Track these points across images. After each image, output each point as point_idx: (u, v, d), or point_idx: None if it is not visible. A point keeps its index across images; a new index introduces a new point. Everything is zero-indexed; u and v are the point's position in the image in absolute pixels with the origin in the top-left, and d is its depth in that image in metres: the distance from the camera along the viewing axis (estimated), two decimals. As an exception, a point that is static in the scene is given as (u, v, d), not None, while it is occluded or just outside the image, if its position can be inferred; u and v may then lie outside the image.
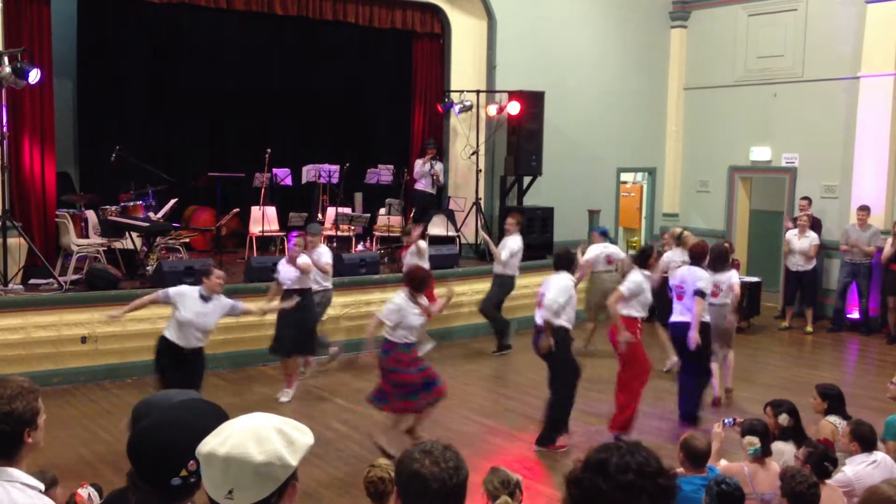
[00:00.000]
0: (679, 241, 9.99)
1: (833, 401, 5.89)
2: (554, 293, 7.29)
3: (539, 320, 7.42)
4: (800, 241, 12.29)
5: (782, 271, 13.00)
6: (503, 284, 10.86)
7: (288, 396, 8.71)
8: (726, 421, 5.42)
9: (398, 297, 7.18)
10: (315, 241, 9.11)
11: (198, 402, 2.37)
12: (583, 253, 10.52)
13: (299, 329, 8.63)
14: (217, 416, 2.20)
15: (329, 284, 9.44)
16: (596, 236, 11.06)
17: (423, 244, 10.30)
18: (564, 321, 7.34)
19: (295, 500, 1.98)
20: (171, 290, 7.21)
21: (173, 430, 2.15)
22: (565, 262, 7.61)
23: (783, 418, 5.54)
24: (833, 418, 5.76)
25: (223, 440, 1.91)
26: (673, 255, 9.83)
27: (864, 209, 12.19)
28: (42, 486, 2.65)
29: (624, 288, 7.70)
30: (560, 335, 7.32)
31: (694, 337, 7.88)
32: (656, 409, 8.60)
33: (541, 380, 9.29)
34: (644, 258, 8.03)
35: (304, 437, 1.98)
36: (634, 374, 7.69)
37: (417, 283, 7.19)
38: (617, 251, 11.00)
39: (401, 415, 7.20)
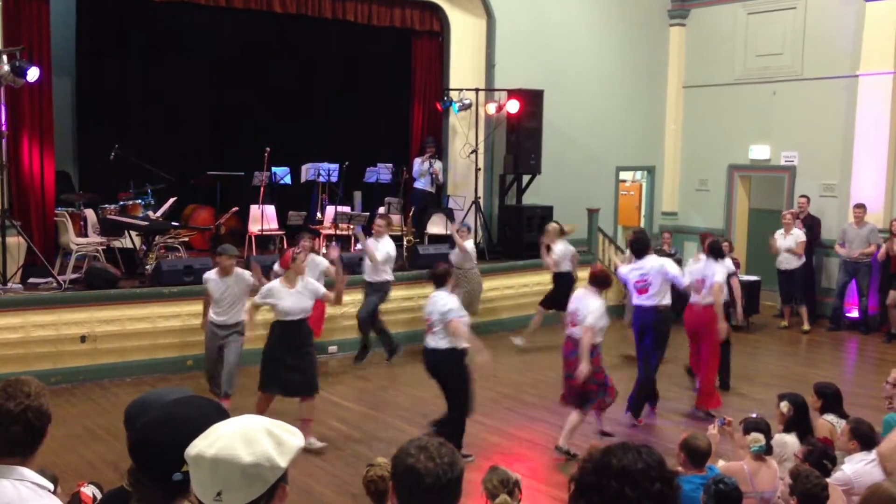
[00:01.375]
0: (562, 234, 11.02)
1: (828, 399, 5.91)
2: (675, 271, 8.16)
3: (647, 302, 8.05)
4: (785, 239, 12.30)
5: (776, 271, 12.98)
6: (381, 290, 10.10)
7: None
8: (719, 421, 5.43)
9: (598, 300, 7.23)
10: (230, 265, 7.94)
11: (198, 398, 2.37)
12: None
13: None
14: (217, 413, 2.20)
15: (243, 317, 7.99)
16: (464, 233, 10.92)
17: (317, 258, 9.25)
18: (669, 300, 8.14)
19: (285, 501, 1.98)
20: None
21: (176, 426, 2.15)
22: (648, 244, 8.45)
23: (783, 405, 5.60)
24: (830, 417, 5.78)
25: (211, 442, 1.91)
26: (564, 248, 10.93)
27: (860, 207, 12.20)
28: (51, 486, 2.69)
29: (721, 278, 8.26)
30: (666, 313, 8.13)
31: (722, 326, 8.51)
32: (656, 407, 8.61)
33: (540, 378, 9.30)
34: (720, 251, 8.51)
35: (294, 438, 1.97)
36: (716, 355, 8.50)
37: (601, 282, 7.42)
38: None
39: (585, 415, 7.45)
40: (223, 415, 2.19)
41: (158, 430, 2.17)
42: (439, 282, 7.13)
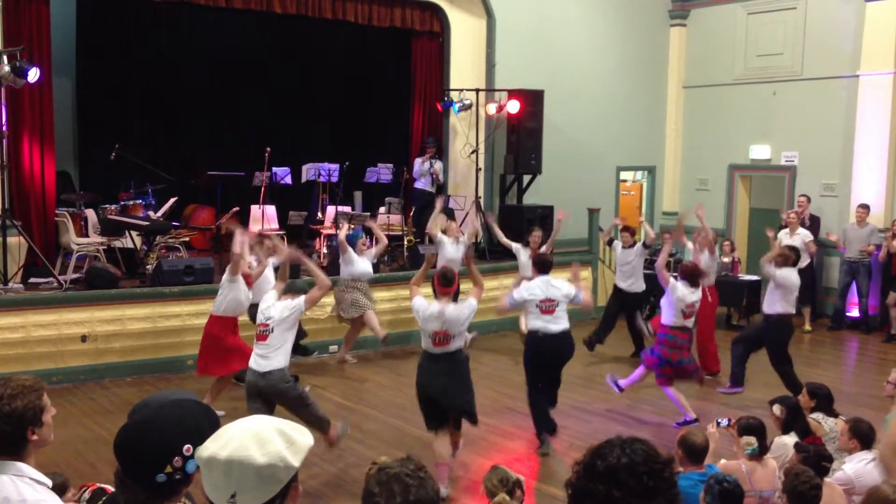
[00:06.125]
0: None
1: (821, 400, 6.05)
2: None
3: None
4: (791, 239, 12.27)
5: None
6: None
7: None
8: (720, 421, 5.44)
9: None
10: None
11: (186, 400, 2.38)
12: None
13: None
14: (204, 414, 2.21)
15: None
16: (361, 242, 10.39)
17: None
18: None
19: (298, 501, 1.98)
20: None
21: (158, 427, 2.17)
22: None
23: (775, 408, 5.64)
24: (816, 415, 5.86)
25: (224, 444, 1.90)
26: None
27: (864, 207, 12.20)
28: (49, 482, 2.70)
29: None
30: None
31: None
32: (656, 407, 8.62)
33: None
34: None
35: (304, 437, 1.98)
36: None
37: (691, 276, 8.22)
38: None
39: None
40: (209, 415, 2.19)
41: (139, 430, 2.20)
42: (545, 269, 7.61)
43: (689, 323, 8.15)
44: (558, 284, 7.49)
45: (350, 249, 9.99)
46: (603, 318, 10.89)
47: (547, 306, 7.34)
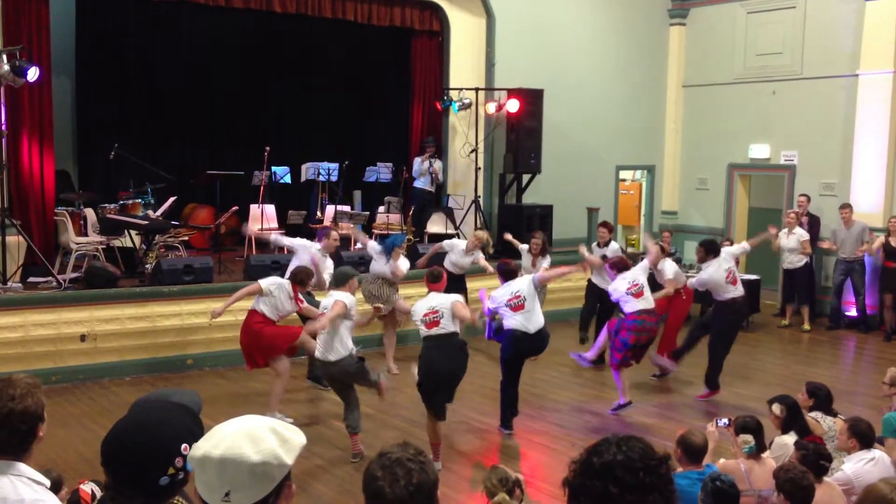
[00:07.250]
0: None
1: (820, 400, 6.04)
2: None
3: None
4: (788, 238, 12.29)
5: (780, 270, 12.99)
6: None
7: None
8: (720, 421, 5.44)
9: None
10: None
11: (166, 402, 2.40)
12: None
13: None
14: (188, 414, 2.22)
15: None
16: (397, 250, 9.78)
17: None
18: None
19: (291, 500, 1.98)
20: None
21: (152, 430, 2.15)
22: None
23: (775, 407, 5.63)
24: (814, 413, 5.87)
25: (217, 442, 1.91)
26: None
27: (847, 207, 12.21)
28: (47, 482, 2.71)
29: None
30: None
31: None
32: (653, 404, 8.62)
33: (540, 377, 9.31)
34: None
35: (297, 436, 1.99)
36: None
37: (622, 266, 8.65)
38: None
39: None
40: (192, 415, 2.20)
41: (135, 434, 2.15)
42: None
43: (647, 304, 8.30)
44: (518, 281, 7.72)
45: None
46: (581, 319, 10.54)
47: (515, 303, 7.52)
